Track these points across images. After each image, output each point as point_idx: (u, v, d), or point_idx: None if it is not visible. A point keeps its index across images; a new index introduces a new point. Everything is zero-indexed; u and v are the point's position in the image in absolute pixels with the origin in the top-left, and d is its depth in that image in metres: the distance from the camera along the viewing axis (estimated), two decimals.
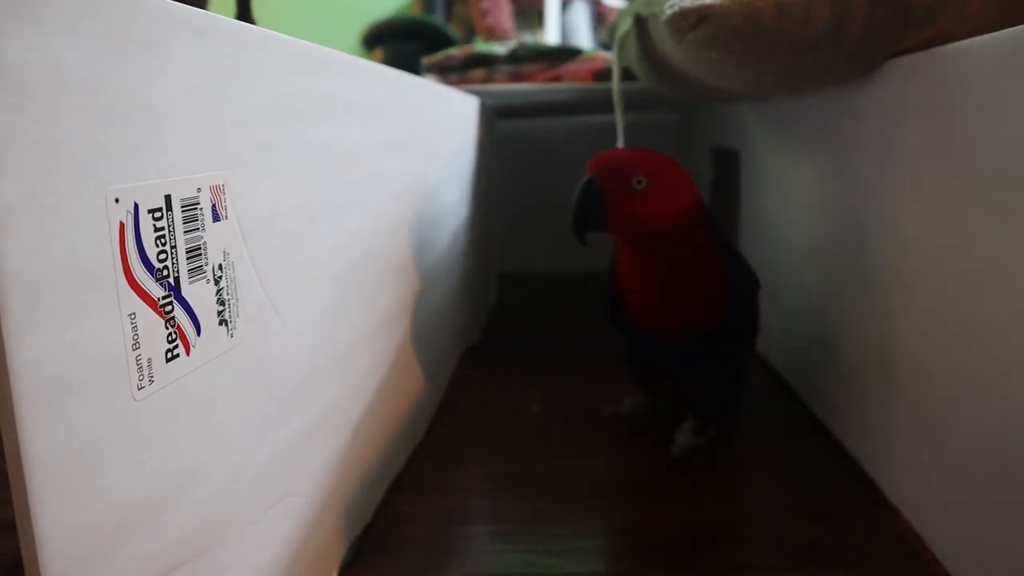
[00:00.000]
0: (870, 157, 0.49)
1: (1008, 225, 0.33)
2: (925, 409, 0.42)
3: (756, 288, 0.56)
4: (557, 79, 0.90)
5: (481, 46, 0.95)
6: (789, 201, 0.67)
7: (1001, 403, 0.35)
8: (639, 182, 0.50)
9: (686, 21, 0.44)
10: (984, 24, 0.42)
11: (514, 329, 0.91)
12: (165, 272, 0.24)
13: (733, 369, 0.57)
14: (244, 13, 0.68)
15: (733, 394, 0.58)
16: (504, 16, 1.24)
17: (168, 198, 0.24)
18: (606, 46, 1.04)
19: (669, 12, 0.45)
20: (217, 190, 0.27)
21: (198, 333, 0.26)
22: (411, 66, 0.77)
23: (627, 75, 0.73)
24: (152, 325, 0.24)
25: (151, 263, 0.24)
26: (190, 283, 0.26)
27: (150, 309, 0.24)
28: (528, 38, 1.13)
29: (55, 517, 0.20)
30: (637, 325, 0.56)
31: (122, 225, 0.22)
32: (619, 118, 0.65)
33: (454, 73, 0.94)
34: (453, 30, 1.35)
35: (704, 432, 0.56)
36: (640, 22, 0.61)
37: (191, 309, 0.26)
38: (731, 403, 0.59)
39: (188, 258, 0.26)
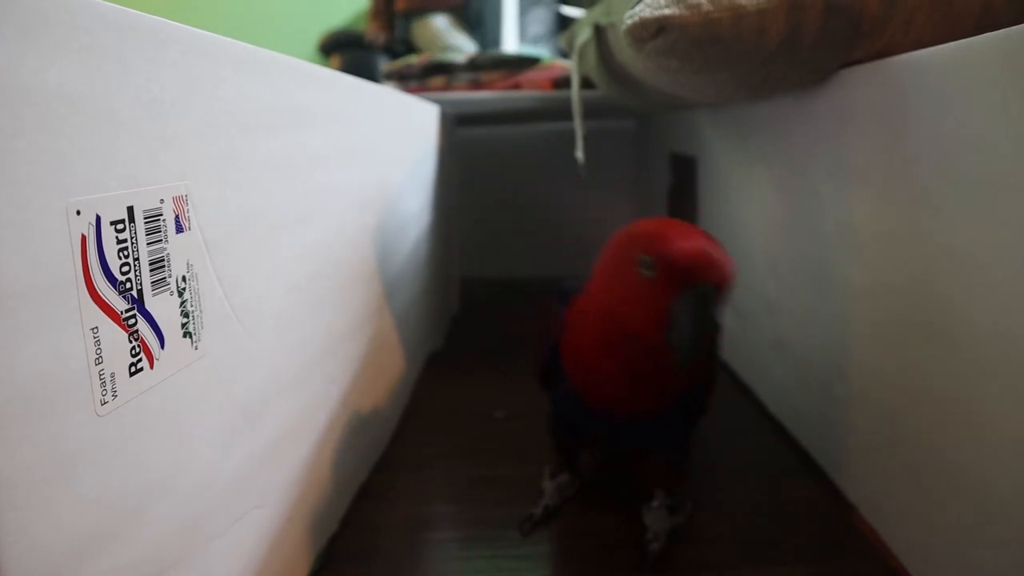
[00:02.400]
0: (824, 163, 0.50)
1: (954, 229, 0.35)
2: (879, 410, 0.43)
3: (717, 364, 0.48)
4: (516, 87, 0.91)
5: (440, 54, 0.95)
6: (745, 206, 0.68)
7: (950, 404, 0.36)
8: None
9: (646, 31, 0.45)
10: (929, 36, 0.43)
11: (476, 335, 0.91)
12: (128, 285, 0.24)
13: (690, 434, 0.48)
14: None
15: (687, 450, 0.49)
16: None
17: (131, 209, 0.24)
18: (565, 54, 1.05)
19: (629, 22, 0.46)
20: (180, 201, 0.27)
21: (162, 346, 0.26)
22: (369, 74, 0.77)
23: (586, 83, 0.74)
24: (115, 339, 0.23)
25: (114, 276, 0.23)
26: (153, 295, 0.25)
27: (113, 322, 0.23)
28: (455, 41, 1.13)
29: (16, 536, 0.20)
30: (583, 398, 0.45)
31: (84, 237, 0.22)
32: (578, 125, 0.66)
33: (414, 81, 0.94)
34: None
35: (680, 510, 0.47)
36: (599, 31, 0.62)
37: (155, 322, 0.25)
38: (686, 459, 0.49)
39: (151, 270, 0.25)
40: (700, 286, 0.36)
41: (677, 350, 0.37)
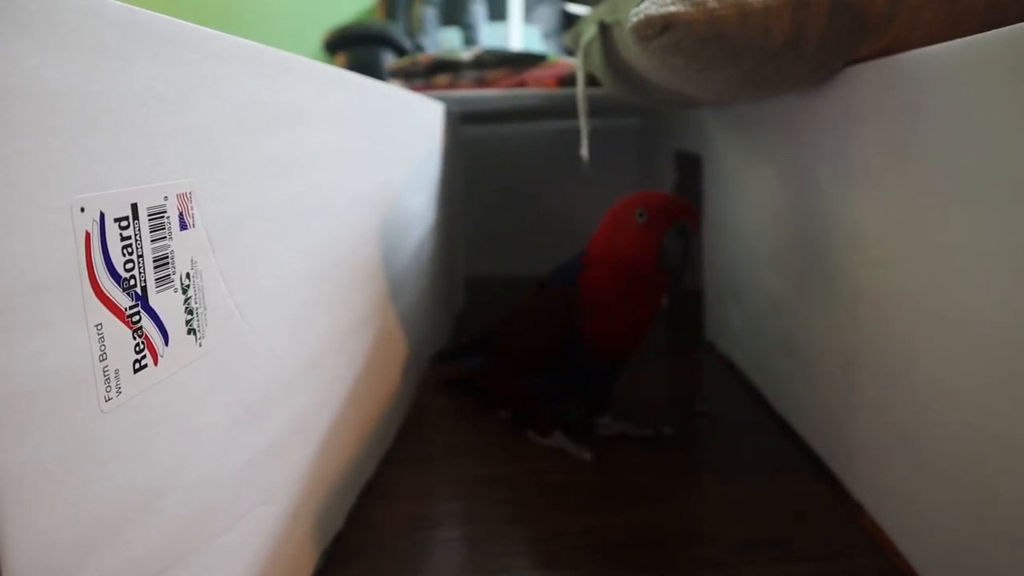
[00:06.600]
0: (830, 161, 0.50)
1: (961, 226, 0.35)
2: (886, 408, 0.43)
3: None
4: (521, 85, 0.91)
5: (445, 52, 0.95)
6: (751, 204, 0.68)
7: (958, 401, 0.36)
8: None
9: (651, 28, 0.45)
10: (937, 33, 0.43)
11: None
12: (132, 281, 0.24)
13: None
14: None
15: None
16: None
17: (135, 206, 0.24)
18: (570, 52, 1.05)
19: (634, 19, 0.46)
20: (184, 198, 0.27)
21: (166, 343, 0.26)
22: (374, 71, 0.77)
23: (591, 81, 0.74)
24: (119, 335, 0.23)
25: (118, 273, 0.23)
26: (158, 292, 0.25)
27: (117, 319, 0.23)
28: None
29: (21, 532, 0.20)
30: (596, 352, 0.56)
31: (88, 234, 0.22)
32: (583, 123, 0.65)
33: (419, 79, 0.94)
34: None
35: (623, 422, 0.60)
36: (604, 29, 0.62)
37: (159, 319, 0.25)
38: None
39: (155, 267, 0.25)
40: (679, 221, 0.51)
41: (670, 271, 0.52)
